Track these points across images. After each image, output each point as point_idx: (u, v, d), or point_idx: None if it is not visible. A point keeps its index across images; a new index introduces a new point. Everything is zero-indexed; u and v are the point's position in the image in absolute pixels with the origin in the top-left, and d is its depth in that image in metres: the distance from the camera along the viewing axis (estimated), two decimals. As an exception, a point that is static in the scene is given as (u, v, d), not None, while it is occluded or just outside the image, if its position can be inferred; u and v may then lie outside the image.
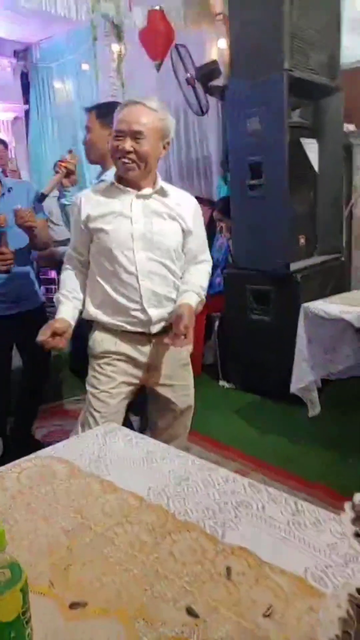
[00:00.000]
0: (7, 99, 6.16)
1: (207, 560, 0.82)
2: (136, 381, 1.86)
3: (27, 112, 6.54)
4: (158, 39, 3.82)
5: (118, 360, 1.81)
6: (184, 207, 1.82)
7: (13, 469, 1.17)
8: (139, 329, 1.78)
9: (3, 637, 0.55)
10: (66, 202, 2.50)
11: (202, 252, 1.89)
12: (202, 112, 4.34)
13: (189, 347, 1.83)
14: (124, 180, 1.75)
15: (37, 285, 2.66)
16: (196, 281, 1.83)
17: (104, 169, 2.34)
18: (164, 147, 1.77)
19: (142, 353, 1.81)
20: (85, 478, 1.11)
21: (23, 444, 2.74)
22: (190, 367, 1.97)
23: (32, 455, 1.23)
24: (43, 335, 1.67)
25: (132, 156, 1.69)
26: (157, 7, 3.68)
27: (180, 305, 1.74)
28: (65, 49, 5.79)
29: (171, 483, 1.06)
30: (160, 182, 1.80)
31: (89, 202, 1.78)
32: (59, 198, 2.66)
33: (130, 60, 4.33)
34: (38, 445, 2.71)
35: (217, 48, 4.02)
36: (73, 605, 0.75)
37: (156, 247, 1.75)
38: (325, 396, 2.75)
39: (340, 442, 2.77)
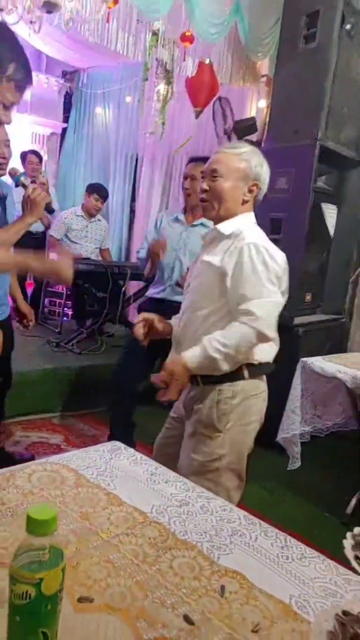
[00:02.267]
0: (48, 116, 6.41)
1: (203, 577, 0.91)
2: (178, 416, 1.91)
3: (63, 130, 6.78)
4: (203, 89, 4.05)
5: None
6: (229, 246, 1.64)
7: (24, 470, 1.25)
8: None
9: (41, 607, 0.64)
10: None
11: (241, 301, 1.60)
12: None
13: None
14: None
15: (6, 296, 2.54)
16: (218, 335, 1.60)
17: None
18: (250, 191, 1.70)
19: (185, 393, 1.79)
20: (92, 488, 1.19)
21: None
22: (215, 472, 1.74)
23: (42, 460, 1.32)
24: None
25: (208, 195, 1.68)
26: (207, 61, 3.91)
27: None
28: (113, 79, 6.03)
29: (173, 505, 1.15)
30: (232, 224, 1.68)
31: None
32: None
33: (173, 103, 4.57)
34: (6, 457, 2.77)
35: (256, 106, 4.26)
36: (81, 599, 0.83)
37: (194, 283, 1.77)
38: (311, 448, 2.84)
39: (321, 494, 2.85)
